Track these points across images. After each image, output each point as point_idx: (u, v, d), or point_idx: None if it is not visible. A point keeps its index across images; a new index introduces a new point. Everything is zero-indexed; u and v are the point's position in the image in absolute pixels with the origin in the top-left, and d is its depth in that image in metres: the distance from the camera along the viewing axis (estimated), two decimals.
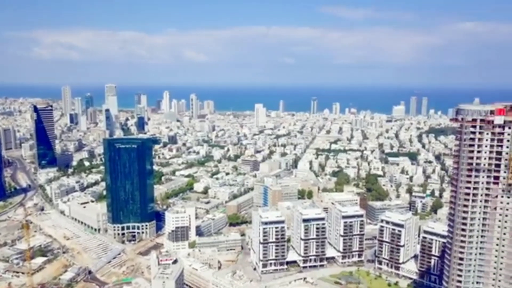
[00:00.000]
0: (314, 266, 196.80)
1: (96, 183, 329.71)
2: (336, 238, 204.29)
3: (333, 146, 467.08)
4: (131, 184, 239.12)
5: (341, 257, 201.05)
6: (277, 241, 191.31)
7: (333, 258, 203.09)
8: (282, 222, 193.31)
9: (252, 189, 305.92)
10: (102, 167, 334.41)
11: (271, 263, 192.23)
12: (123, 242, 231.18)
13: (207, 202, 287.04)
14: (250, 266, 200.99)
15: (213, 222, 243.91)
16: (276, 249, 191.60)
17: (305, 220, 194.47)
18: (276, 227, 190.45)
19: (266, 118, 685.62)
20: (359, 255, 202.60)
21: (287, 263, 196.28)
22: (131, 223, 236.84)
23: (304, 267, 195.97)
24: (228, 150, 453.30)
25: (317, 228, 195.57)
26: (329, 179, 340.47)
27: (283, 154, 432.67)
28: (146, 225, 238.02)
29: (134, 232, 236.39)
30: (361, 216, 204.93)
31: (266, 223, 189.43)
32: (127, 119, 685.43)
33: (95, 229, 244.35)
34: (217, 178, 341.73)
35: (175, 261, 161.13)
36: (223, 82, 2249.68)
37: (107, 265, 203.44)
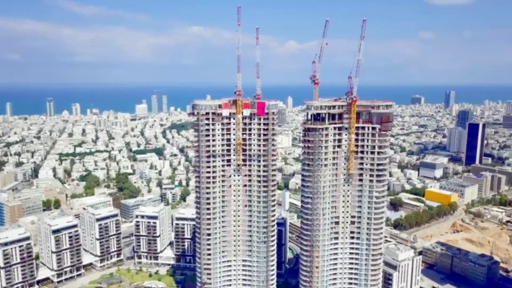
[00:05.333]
0: (71, 278, 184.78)
1: None
2: (92, 243, 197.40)
3: (78, 149, 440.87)
4: None
5: (99, 261, 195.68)
6: (22, 261, 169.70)
7: (91, 264, 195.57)
8: (27, 239, 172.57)
9: None
10: None
11: None
12: None
13: None
14: None
15: None
16: (22, 271, 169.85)
17: (55, 231, 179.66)
18: (20, 246, 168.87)
19: None
20: (118, 255, 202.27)
21: (38, 282, 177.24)
22: None
23: (59, 282, 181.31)
24: None
25: (69, 237, 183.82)
26: (78, 184, 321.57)
27: (19, 164, 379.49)
28: None
29: None
30: (116, 215, 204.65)
31: (5, 244, 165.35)
32: None
33: None
34: None
35: None
36: None
37: None
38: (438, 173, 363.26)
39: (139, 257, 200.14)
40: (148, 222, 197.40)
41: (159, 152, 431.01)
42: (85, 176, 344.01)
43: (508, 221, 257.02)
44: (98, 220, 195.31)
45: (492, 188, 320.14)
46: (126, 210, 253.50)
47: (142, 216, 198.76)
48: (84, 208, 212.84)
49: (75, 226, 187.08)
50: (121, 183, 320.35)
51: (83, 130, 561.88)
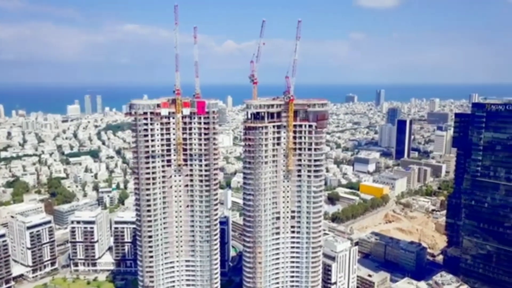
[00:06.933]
0: None
1: None
2: (23, 253, 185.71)
3: (3, 154, 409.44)
4: None
5: (31, 272, 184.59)
6: None
7: (21, 275, 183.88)
8: None
9: None
10: None
11: None
12: None
13: None
14: None
15: None
16: None
17: None
18: None
19: None
20: (52, 264, 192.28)
21: None
22: None
23: None
24: None
25: None
26: (4, 191, 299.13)
27: None
28: None
29: None
30: (49, 222, 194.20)
31: None
32: None
33: None
34: None
35: None
36: None
37: None
38: (371, 167, 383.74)
39: (76, 264, 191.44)
40: (85, 228, 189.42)
41: (94, 154, 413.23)
42: (12, 182, 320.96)
43: (433, 210, 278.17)
44: (29, 228, 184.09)
45: (419, 180, 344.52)
46: (60, 216, 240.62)
47: (78, 222, 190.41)
48: (12, 216, 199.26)
49: (2, 236, 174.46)
50: (54, 188, 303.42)
51: (8, 133, 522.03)
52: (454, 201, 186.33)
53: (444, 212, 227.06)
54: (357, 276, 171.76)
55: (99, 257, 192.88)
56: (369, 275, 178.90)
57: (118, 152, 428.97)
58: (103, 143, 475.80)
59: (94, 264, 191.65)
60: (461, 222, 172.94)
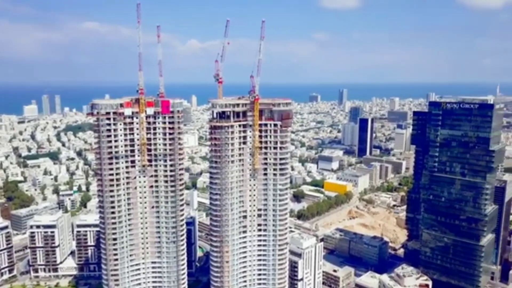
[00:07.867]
0: None
1: None
2: None
3: None
4: None
5: None
6: None
7: None
8: None
9: None
10: None
11: None
12: None
13: None
14: None
15: None
16: None
17: None
18: None
19: None
20: (10, 271, 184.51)
21: None
22: None
23: None
24: None
25: None
26: None
27: None
28: None
29: None
30: (6, 228, 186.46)
31: None
32: None
33: None
34: None
35: None
36: None
37: None
38: (335, 165, 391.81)
39: (36, 270, 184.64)
40: (45, 232, 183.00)
41: (54, 156, 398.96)
42: None
43: (394, 205, 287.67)
44: None
45: (381, 176, 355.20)
46: (17, 221, 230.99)
47: (38, 226, 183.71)
48: None
49: None
50: (10, 192, 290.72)
51: None
52: (414, 196, 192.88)
53: (405, 207, 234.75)
54: (323, 272, 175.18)
55: (61, 262, 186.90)
56: (334, 270, 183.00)
57: (79, 153, 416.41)
58: (63, 145, 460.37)
59: (55, 270, 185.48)
60: (420, 216, 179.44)
